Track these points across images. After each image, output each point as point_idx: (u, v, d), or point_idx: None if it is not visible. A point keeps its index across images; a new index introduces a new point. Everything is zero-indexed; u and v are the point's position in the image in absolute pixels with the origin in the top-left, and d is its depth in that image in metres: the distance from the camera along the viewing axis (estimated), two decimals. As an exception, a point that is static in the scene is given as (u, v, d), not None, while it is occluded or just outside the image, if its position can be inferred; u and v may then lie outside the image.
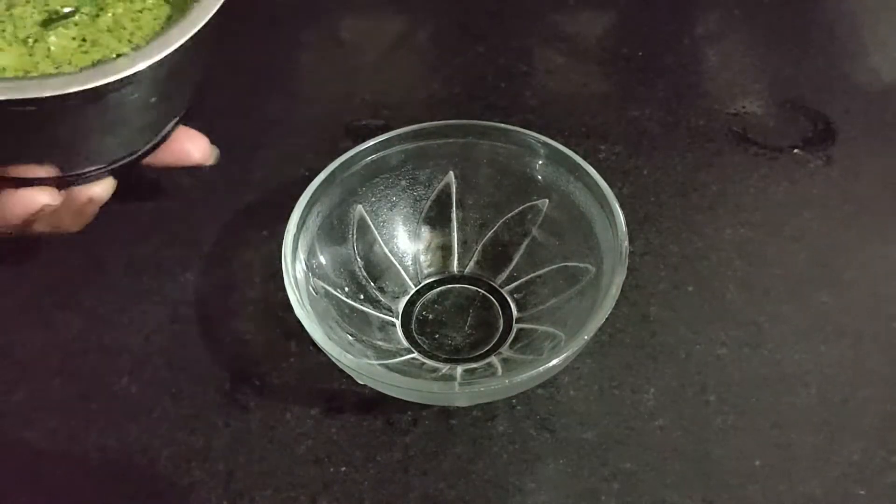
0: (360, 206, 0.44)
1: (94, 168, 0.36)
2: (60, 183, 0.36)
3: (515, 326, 0.42)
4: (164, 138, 0.38)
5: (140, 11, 0.37)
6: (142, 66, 0.32)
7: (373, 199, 0.44)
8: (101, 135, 0.35)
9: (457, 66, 0.57)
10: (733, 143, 0.51)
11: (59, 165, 0.35)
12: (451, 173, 0.45)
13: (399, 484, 0.37)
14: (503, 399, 0.39)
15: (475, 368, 0.40)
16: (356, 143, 0.43)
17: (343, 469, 0.38)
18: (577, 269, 0.41)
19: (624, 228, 0.38)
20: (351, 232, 0.44)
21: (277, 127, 0.54)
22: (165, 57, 0.33)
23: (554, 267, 0.43)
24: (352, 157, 0.42)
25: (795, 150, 0.51)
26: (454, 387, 0.36)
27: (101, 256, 0.46)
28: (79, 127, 0.34)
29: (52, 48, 0.36)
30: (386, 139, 0.43)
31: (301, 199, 0.40)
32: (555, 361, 0.35)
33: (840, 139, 0.51)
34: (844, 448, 0.38)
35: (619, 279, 0.37)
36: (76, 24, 0.37)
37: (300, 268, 0.39)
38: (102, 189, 0.37)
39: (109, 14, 0.37)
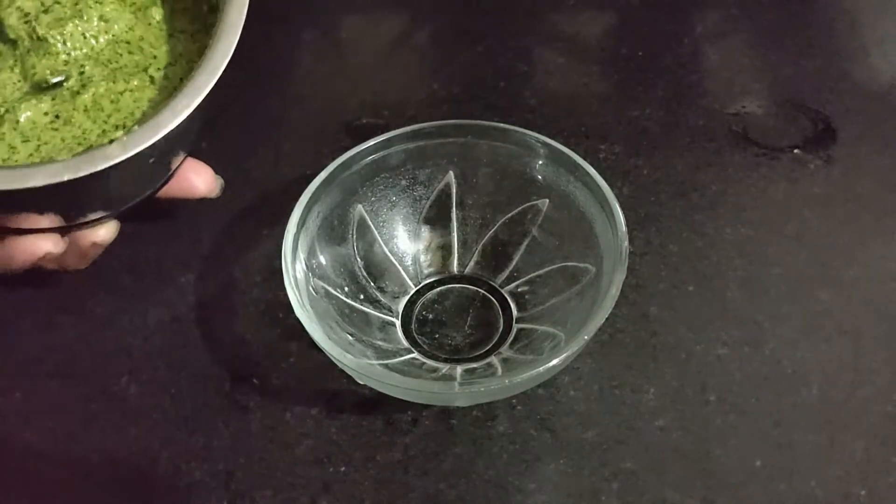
0: (360, 206, 0.44)
1: (98, 216, 0.36)
2: (64, 230, 0.36)
3: (515, 326, 0.42)
4: (169, 178, 0.38)
5: (122, 93, 0.37)
6: (133, 152, 0.32)
7: (373, 199, 0.44)
8: (104, 193, 0.35)
9: (456, 65, 0.57)
10: (733, 143, 0.51)
11: (63, 215, 0.35)
12: (451, 173, 0.45)
13: (399, 484, 0.37)
14: (503, 399, 0.39)
15: (475, 368, 0.40)
16: (356, 143, 0.43)
17: (343, 469, 0.38)
18: (577, 269, 0.41)
19: (624, 228, 0.38)
20: (351, 232, 0.44)
21: (277, 127, 0.54)
22: (157, 141, 0.32)
23: (554, 267, 0.43)
24: (352, 157, 0.42)
25: (796, 150, 0.51)
26: (454, 387, 0.36)
27: (101, 256, 0.46)
28: (77, 193, 0.34)
29: (21, 121, 0.35)
30: (386, 139, 0.43)
31: (301, 199, 0.40)
32: (555, 361, 0.35)
33: (840, 139, 0.51)
34: (846, 448, 0.38)
35: (619, 279, 0.37)
36: (52, 99, 0.36)
37: (300, 268, 0.39)
38: (107, 232, 0.37)
39: (90, 92, 0.36)
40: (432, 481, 0.37)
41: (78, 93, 0.36)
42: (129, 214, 0.49)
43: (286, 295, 0.37)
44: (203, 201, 0.48)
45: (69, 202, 0.35)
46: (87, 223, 0.37)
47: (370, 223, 0.44)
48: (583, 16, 0.61)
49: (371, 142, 0.43)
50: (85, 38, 0.37)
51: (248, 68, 0.59)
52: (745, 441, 0.38)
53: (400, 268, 0.44)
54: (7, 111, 0.35)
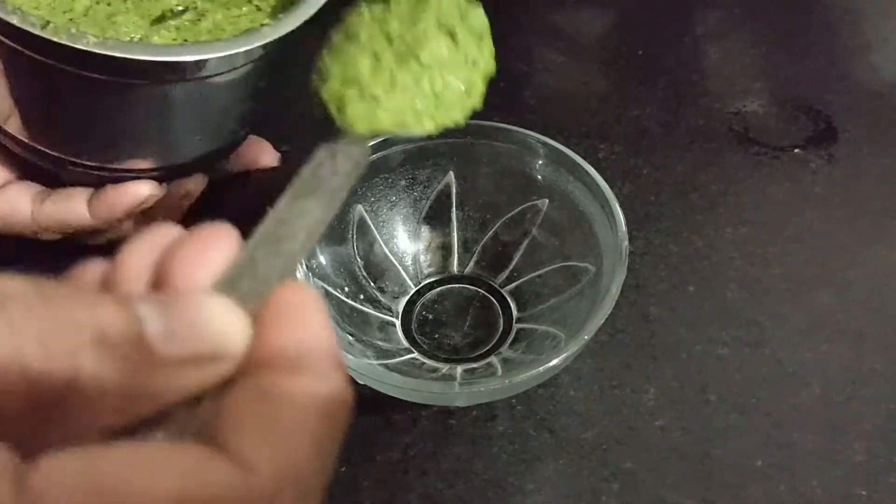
0: (360, 206, 0.44)
1: (189, 161, 0.38)
2: (157, 178, 0.37)
3: (515, 326, 0.42)
4: (240, 142, 0.40)
5: (237, 17, 0.38)
6: (282, 32, 0.35)
7: (373, 199, 0.44)
8: (205, 122, 0.37)
9: (457, 65, 0.57)
10: (734, 143, 0.51)
11: (160, 157, 0.37)
12: (451, 173, 0.45)
13: (399, 484, 0.37)
14: (503, 399, 0.39)
15: (475, 368, 0.40)
16: (356, 142, 0.42)
17: (343, 469, 0.38)
18: (577, 269, 0.41)
19: (624, 228, 0.38)
20: (351, 232, 0.44)
21: (277, 127, 0.54)
22: (288, 34, 0.35)
23: (554, 267, 0.43)
24: (351, 156, 0.42)
25: (796, 150, 0.51)
26: (454, 387, 0.36)
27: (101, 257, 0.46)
28: (188, 110, 0.35)
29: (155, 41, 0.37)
30: (386, 139, 0.43)
31: (301, 199, 0.40)
32: (555, 361, 0.35)
33: (841, 138, 0.51)
34: (846, 448, 0.38)
35: (619, 279, 0.37)
36: (177, 28, 0.37)
37: (300, 268, 0.39)
38: (196, 184, 0.39)
39: (210, 19, 0.38)
40: (432, 481, 0.37)
41: (199, 20, 0.38)
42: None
43: (286, 295, 0.37)
44: (203, 201, 0.48)
45: (170, 129, 0.36)
46: (176, 170, 0.38)
47: (370, 223, 0.44)
48: (583, 15, 0.61)
49: (371, 142, 0.42)
50: None
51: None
52: (745, 441, 0.38)
53: (400, 268, 0.44)
54: (140, 39, 0.37)
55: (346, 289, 0.42)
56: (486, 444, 0.38)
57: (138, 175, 0.36)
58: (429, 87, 0.29)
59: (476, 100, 0.30)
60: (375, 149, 0.43)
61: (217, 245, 0.20)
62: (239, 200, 0.49)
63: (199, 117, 0.36)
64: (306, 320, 0.19)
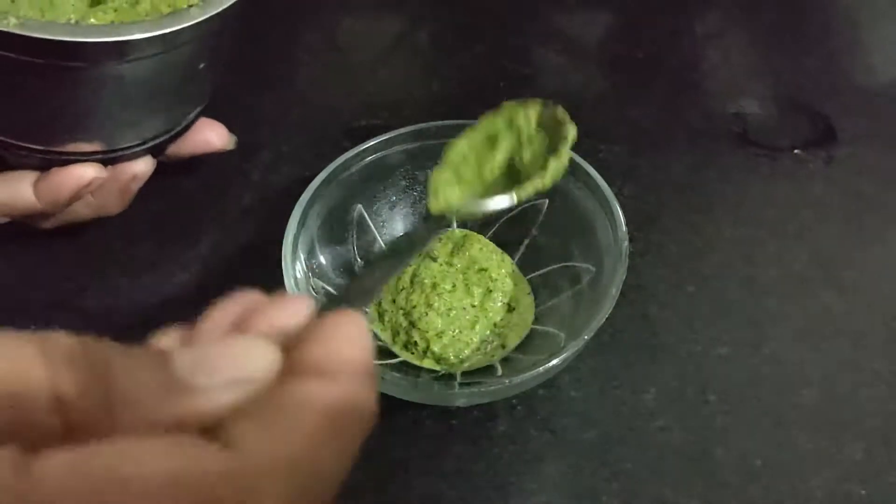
0: (360, 206, 0.44)
1: (134, 144, 0.38)
2: (104, 160, 0.37)
3: (515, 326, 0.42)
4: (189, 126, 0.40)
5: None
6: (212, 12, 0.34)
7: (373, 199, 0.44)
8: (147, 103, 0.36)
9: (456, 66, 0.57)
10: (733, 143, 0.51)
11: (104, 140, 0.36)
12: (451, 173, 0.45)
13: (399, 484, 0.37)
14: (503, 399, 0.39)
15: (475, 368, 0.40)
16: (356, 143, 0.43)
17: (343, 469, 0.38)
18: (577, 269, 0.41)
19: (624, 228, 0.38)
20: (351, 232, 0.44)
21: (277, 127, 0.54)
22: (224, 10, 0.35)
23: (554, 267, 0.43)
24: (352, 157, 0.42)
25: (796, 150, 0.51)
26: (454, 387, 0.36)
27: (100, 257, 0.46)
28: (129, 91, 0.35)
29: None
30: (385, 139, 0.43)
31: (301, 199, 0.40)
32: (555, 361, 0.35)
33: (840, 139, 0.51)
34: (846, 447, 0.38)
35: (619, 279, 0.37)
36: (115, 10, 0.37)
37: (300, 268, 0.39)
38: (145, 165, 0.38)
39: (147, 1, 0.38)
40: (432, 481, 0.37)
41: (137, 2, 0.37)
42: (129, 214, 0.49)
43: (286, 295, 0.37)
44: (203, 201, 0.48)
45: (115, 111, 0.36)
46: (125, 152, 0.38)
47: (370, 223, 0.44)
48: (583, 16, 0.61)
49: (371, 142, 0.43)
50: None
51: (247, 68, 0.59)
52: (745, 441, 0.38)
53: (400, 268, 0.44)
54: (76, 22, 0.37)
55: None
56: (487, 444, 0.38)
57: (85, 158, 0.37)
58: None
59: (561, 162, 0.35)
60: (375, 149, 0.43)
61: (292, 310, 0.21)
62: (191, 184, 0.49)
63: (139, 99, 0.36)
64: (344, 335, 0.20)
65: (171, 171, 0.51)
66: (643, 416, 0.39)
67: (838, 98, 0.54)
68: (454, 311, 0.40)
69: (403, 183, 0.45)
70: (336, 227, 0.43)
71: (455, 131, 0.44)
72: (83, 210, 0.39)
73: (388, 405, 0.39)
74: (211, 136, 0.41)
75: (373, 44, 0.60)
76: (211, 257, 0.46)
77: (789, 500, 0.36)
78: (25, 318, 0.44)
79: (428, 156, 0.44)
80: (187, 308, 0.45)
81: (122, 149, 0.38)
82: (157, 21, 0.34)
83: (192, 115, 0.41)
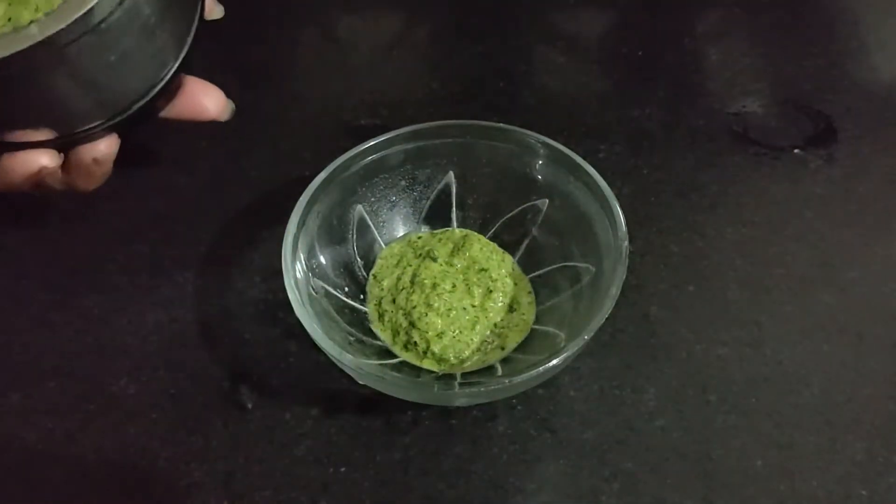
0: (360, 206, 0.44)
1: (95, 125, 0.36)
2: (63, 144, 0.36)
3: (515, 326, 0.42)
4: (167, 87, 0.37)
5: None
6: (49, 32, 0.31)
7: (373, 199, 0.44)
8: (95, 82, 0.34)
9: (456, 65, 0.57)
10: (734, 143, 0.51)
11: (56, 126, 0.35)
12: (451, 173, 0.45)
13: (399, 484, 0.37)
14: (503, 399, 0.39)
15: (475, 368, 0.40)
16: (355, 143, 0.43)
17: (343, 469, 0.38)
18: (577, 269, 0.41)
19: (624, 228, 0.38)
20: (351, 232, 0.44)
21: (276, 127, 0.54)
22: (76, 24, 0.31)
23: (554, 267, 0.43)
24: (352, 157, 0.42)
25: (796, 150, 0.51)
26: (454, 387, 0.36)
27: (99, 256, 0.46)
28: (70, 74, 0.33)
29: None
30: (385, 139, 0.43)
31: (301, 199, 0.40)
32: (555, 361, 0.35)
33: (841, 138, 0.51)
34: (847, 448, 0.38)
35: (619, 279, 0.37)
36: (9, 4, 0.34)
37: (300, 268, 0.39)
38: (106, 147, 0.36)
39: None
40: (432, 481, 0.37)
41: None
42: (128, 214, 0.48)
43: (286, 295, 0.37)
44: (203, 201, 0.48)
45: (61, 97, 0.34)
46: (86, 133, 0.36)
47: (370, 223, 0.44)
48: (583, 16, 0.61)
49: (371, 142, 0.43)
50: None
51: (247, 67, 0.59)
52: (745, 441, 0.38)
53: (400, 268, 0.44)
54: None
55: (346, 289, 0.42)
56: (487, 444, 0.38)
57: (41, 145, 0.35)
58: None
59: None
60: (375, 149, 0.43)
61: None
62: (191, 184, 0.49)
63: (77, 84, 0.34)
64: None
65: (172, 171, 0.51)
66: (643, 416, 0.39)
67: (838, 98, 0.54)
68: (454, 312, 0.40)
69: (403, 183, 0.45)
70: (336, 227, 0.43)
71: (456, 131, 0.44)
72: (53, 184, 0.37)
73: (389, 405, 0.39)
74: (205, 101, 0.38)
75: (373, 43, 0.60)
76: (211, 257, 0.46)
77: (789, 500, 0.36)
78: (25, 318, 0.44)
79: (428, 156, 0.44)
80: (187, 308, 0.45)
81: (83, 131, 0.36)
82: (59, 12, 0.31)
83: (161, 80, 0.37)
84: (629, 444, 0.38)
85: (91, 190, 0.38)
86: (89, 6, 0.32)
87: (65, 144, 0.36)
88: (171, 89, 0.37)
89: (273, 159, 0.51)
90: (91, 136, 0.36)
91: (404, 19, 0.61)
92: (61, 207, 0.49)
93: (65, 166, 0.36)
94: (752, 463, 0.37)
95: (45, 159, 0.35)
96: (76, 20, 0.32)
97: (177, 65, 0.37)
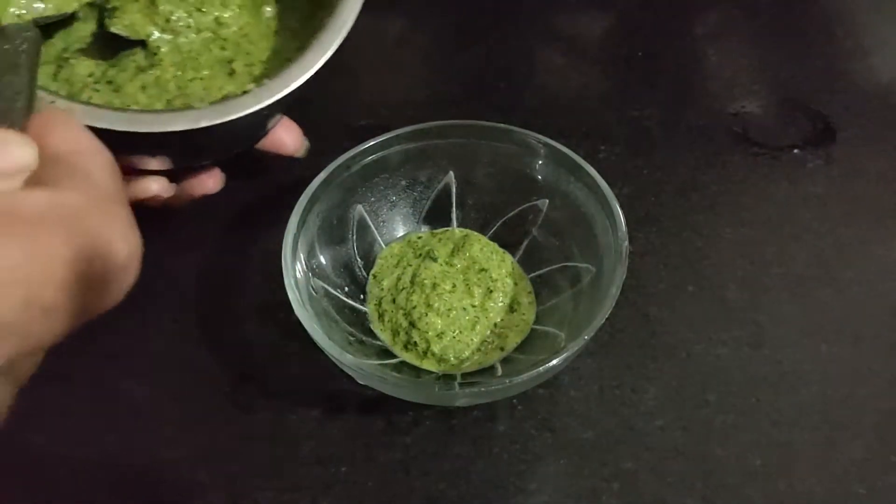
0: (360, 206, 0.44)
1: (203, 161, 0.39)
2: (171, 174, 0.39)
3: (516, 326, 0.42)
4: (266, 133, 0.41)
5: (190, 80, 0.39)
6: (265, 103, 0.35)
7: (373, 199, 0.44)
8: (212, 143, 0.38)
9: (456, 66, 0.57)
10: (733, 143, 0.51)
11: (173, 159, 0.38)
12: (451, 173, 0.45)
13: (400, 484, 0.37)
14: (503, 399, 0.39)
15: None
16: (355, 143, 0.43)
17: (344, 469, 0.38)
18: (577, 269, 0.41)
19: (624, 228, 0.38)
20: (351, 232, 0.44)
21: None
22: (283, 97, 0.36)
23: (554, 267, 0.43)
24: (352, 157, 0.42)
25: (795, 150, 0.51)
26: (454, 387, 0.36)
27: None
28: (192, 140, 0.36)
29: (76, 72, 0.38)
30: (386, 139, 0.43)
31: (301, 199, 0.40)
32: (555, 361, 0.35)
33: (840, 138, 0.51)
34: (845, 447, 0.38)
35: (619, 279, 0.37)
36: (112, 67, 0.38)
37: (300, 268, 0.39)
38: (215, 184, 0.41)
39: (154, 75, 0.39)
40: (433, 481, 0.37)
41: (141, 70, 0.38)
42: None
43: (286, 295, 0.37)
44: (203, 201, 0.48)
45: (185, 148, 0.37)
46: (193, 168, 0.39)
47: (370, 223, 0.44)
48: (583, 16, 0.61)
49: (371, 142, 0.43)
50: (188, 26, 0.39)
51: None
52: (744, 441, 0.38)
53: (400, 268, 0.44)
54: (66, 59, 0.38)
55: (346, 289, 0.42)
56: (487, 444, 0.38)
57: (155, 173, 0.39)
58: None
59: None
60: (375, 149, 0.43)
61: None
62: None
63: (220, 142, 0.38)
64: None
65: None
66: (643, 416, 0.39)
67: (838, 98, 0.54)
68: (454, 312, 0.40)
69: (403, 183, 0.45)
70: (336, 227, 0.43)
71: (456, 131, 0.44)
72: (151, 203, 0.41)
73: (389, 405, 0.39)
74: (285, 137, 0.42)
75: (373, 44, 0.60)
76: (211, 257, 0.46)
77: (789, 500, 0.36)
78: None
79: (428, 156, 0.44)
80: (187, 307, 0.45)
81: (193, 167, 0.40)
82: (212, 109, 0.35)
83: (265, 132, 0.41)
84: (629, 444, 0.38)
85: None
86: (296, 84, 0.36)
87: (173, 175, 0.39)
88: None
89: (274, 159, 0.51)
90: (198, 170, 0.40)
91: (405, 19, 0.61)
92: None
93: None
94: (751, 462, 0.38)
95: (157, 187, 0.39)
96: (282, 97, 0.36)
97: (281, 117, 0.41)
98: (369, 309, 0.42)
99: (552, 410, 0.39)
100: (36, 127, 0.26)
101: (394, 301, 0.41)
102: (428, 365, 0.39)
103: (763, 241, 0.46)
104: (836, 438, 0.38)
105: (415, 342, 0.40)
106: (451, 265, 0.42)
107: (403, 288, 0.41)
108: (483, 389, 0.35)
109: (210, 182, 0.40)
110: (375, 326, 0.41)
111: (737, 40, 0.58)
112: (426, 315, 0.40)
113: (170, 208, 0.41)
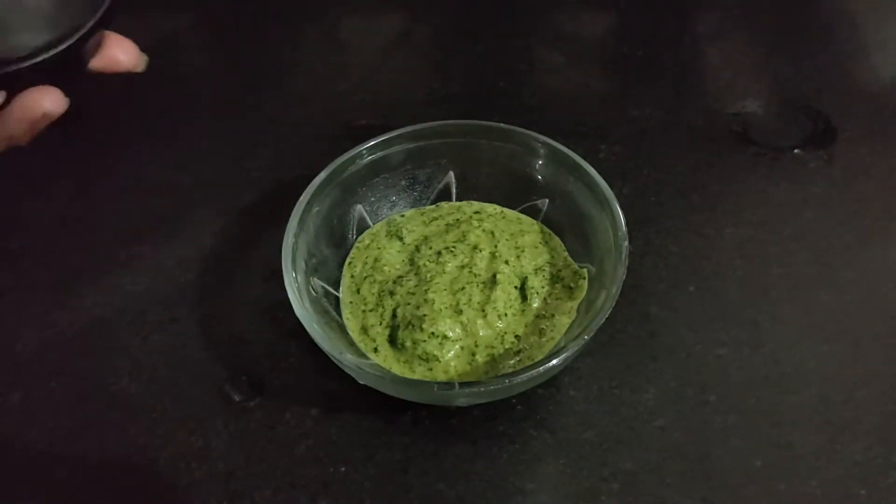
0: (360, 206, 0.44)
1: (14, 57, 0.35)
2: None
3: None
4: (90, 35, 0.37)
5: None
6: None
7: (373, 199, 0.44)
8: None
9: (456, 65, 0.57)
10: (733, 143, 0.51)
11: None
12: (451, 173, 0.45)
13: (399, 484, 0.37)
14: (503, 399, 0.39)
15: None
16: (356, 143, 0.43)
17: (343, 469, 0.38)
18: (577, 269, 0.41)
19: (624, 228, 0.38)
20: (351, 232, 0.44)
21: (277, 126, 0.54)
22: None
23: (554, 267, 0.43)
24: (352, 157, 0.42)
25: (796, 150, 0.51)
26: (454, 387, 0.36)
27: (100, 256, 0.46)
28: None
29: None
30: (386, 139, 0.43)
31: (301, 199, 0.40)
32: (555, 361, 0.35)
33: (840, 139, 0.51)
34: (845, 448, 0.38)
35: (619, 279, 0.37)
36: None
37: (300, 268, 0.39)
38: (52, 103, 0.36)
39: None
40: (432, 481, 0.37)
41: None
42: (129, 214, 0.49)
43: (286, 295, 0.37)
44: (203, 201, 0.48)
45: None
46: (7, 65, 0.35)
47: (370, 223, 0.44)
48: (583, 16, 0.61)
49: (371, 142, 0.43)
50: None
51: (248, 67, 0.59)
52: (744, 441, 0.38)
53: (400, 268, 0.44)
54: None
55: (347, 289, 0.42)
56: (487, 444, 0.38)
57: None
58: None
59: None
60: (375, 149, 0.43)
61: None
62: (191, 183, 0.49)
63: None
64: None
65: (172, 171, 0.51)
66: (643, 416, 0.39)
67: (838, 98, 0.54)
68: (455, 312, 0.40)
69: (403, 183, 0.45)
70: (336, 227, 0.43)
71: (456, 130, 0.44)
72: None
73: (389, 405, 0.39)
74: (118, 54, 0.38)
75: (374, 43, 0.60)
76: (211, 257, 0.46)
77: (788, 499, 0.36)
78: (26, 317, 0.44)
79: (428, 155, 0.44)
80: (187, 308, 0.45)
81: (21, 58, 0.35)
82: None
83: (84, 29, 0.37)
84: (629, 444, 0.38)
85: (26, 143, 0.38)
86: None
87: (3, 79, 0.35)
88: (95, 42, 0.37)
89: (274, 159, 0.51)
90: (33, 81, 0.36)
91: (405, 19, 0.61)
92: (62, 208, 0.49)
93: (4, 118, 0.36)
94: (751, 463, 0.37)
95: None
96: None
97: (98, 18, 0.37)
98: (341, 297, 0.41)
99: (552, 410, 0.39)
100: None
101: (394, 301, 0.41)
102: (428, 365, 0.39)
103: (763, 241, 0.46)
104: (836, 439, 0.38)
105: (415, 342, 0.39)
106: (452, 252, 0.42)
107: (366, 275, 0.41)
108: (482, 389, 0.35)
109: (46, 101, 0.36)
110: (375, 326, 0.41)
111: (737, 40, 0.58)
112: (426, 315, 0.40)
113: (12, 144, 0.37)
